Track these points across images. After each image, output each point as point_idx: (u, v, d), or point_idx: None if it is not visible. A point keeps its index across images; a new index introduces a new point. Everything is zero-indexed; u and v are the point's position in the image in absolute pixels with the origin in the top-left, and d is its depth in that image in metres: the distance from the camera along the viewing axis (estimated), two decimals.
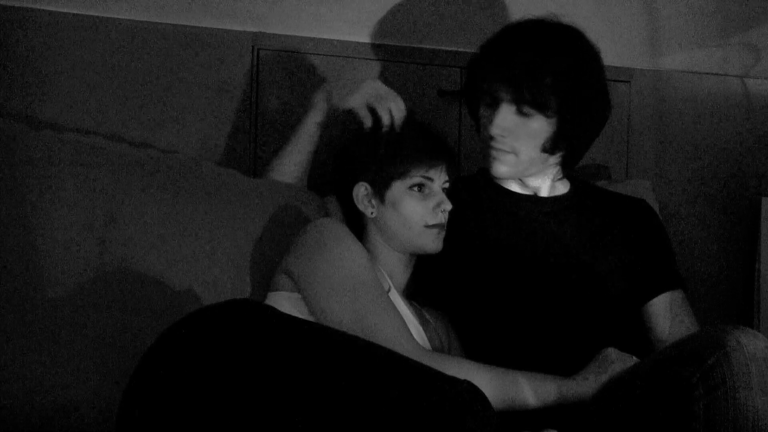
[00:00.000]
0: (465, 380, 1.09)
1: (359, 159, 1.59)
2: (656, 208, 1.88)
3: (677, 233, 2.09)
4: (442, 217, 1.57)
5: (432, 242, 1.57)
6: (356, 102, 1.64)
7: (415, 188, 1.56)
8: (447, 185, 1.60)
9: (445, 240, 1.60)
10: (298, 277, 1.46)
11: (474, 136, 1.75)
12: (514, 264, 1.62)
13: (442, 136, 1.65)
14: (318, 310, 1.43)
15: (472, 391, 1.08)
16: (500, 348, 1.55)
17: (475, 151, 1.68)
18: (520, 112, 1.59)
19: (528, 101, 1.56)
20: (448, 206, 1.57)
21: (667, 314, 1.65)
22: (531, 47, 1.58)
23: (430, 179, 1.57)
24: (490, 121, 1.60)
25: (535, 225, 1.67)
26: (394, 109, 1.62)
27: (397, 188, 1.56)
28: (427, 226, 1.56)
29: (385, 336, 1.39)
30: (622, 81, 2.14)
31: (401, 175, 1.56)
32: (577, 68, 1.59)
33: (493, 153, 1.62)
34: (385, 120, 1.61)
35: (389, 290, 1.53)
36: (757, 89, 2.24)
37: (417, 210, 1.56)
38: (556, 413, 1.42)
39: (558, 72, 1.56)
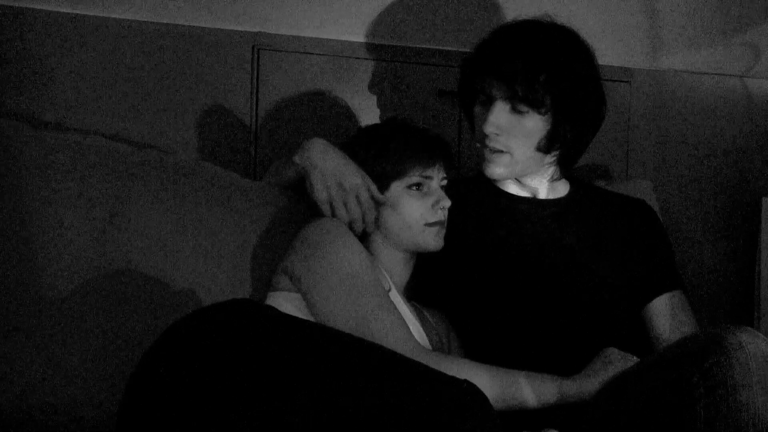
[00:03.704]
0: (465, 380, 1.09)
1: (356, 161, 1.59)
2: (656, 208, 1.88)
3: (677, 233, 2.09)
4: (441, 215, 1.57)
5: (433, 240, 1.57)
6: (320, 197, 1.56)
7: (414, 188, 1.56)
8: (445, 182, 1.60)
9: (446, 241, 1.60)
10: (299, 277, 1.46)
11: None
12: (513, 266, 1.62)
13: (438, 135, 1.65)
14: (318, 310, 1.43)
15: (472, 391, 1.08)
16: (500, 348, 1.55)
17: (475, 151, 1.68)
18: (515, 110, 1.59)
19: (522, 98, 1.57)
20: (447, 203, 1.57)
21: (667, 315, 1.65)
22: (525, 45, 1.58)
23: (429, 178, 1.57)
24: (485, 120, 1.60)
25: (535, 227, 1.67)
26: (353, 208, 1.54)
27: (396, 188, 1.56)
28: (428, 224, 1.56)
29: (386, 336, 1.39)
30: (622, 81, 2.14)
31: (399, 175, 1.56)
32: (571, 66, 1.59)
33: (488, 154, 1.62)
34: (343, 219, 1.55)
35: (389, 290, 1.53)
36: (757, 89, 2.24)
37: (416, 209, 1.56)
38: (556, 413, 1.42)
39: (552, 69, 1.57)
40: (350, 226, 1.55)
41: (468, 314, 1.62)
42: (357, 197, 1.55)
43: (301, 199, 1.66)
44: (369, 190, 1.56)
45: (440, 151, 1.60)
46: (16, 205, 1.49)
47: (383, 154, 1.57)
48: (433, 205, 1.56)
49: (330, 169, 1.57)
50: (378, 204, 1.57)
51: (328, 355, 1.12)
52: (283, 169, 1.68)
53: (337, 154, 1.59)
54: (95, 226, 1.52)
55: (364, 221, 1.56)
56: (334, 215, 1.55)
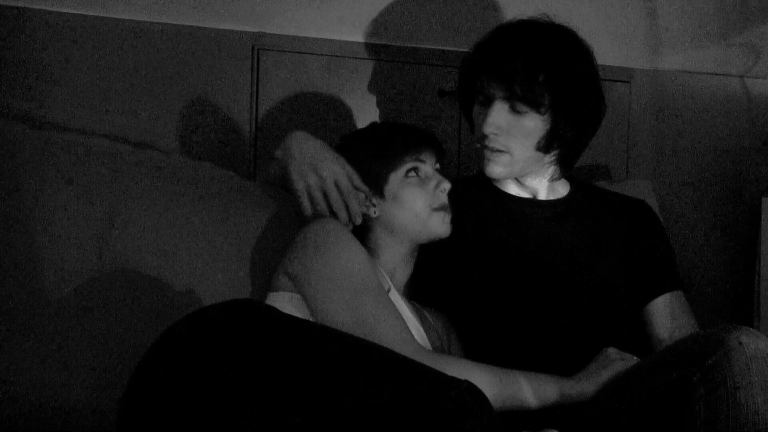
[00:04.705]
0: (465, 380, 1.09)
1: (352, 164, 1.59)
2: (656, 208, 1.88)
3: (677, 233, 2.09)
4: (443, 198, 1.57)
5: (441, 226, 1.57)
6: (298, 187, 1.55)
7: (411, 173, 1.56)
8: (438, 167, 1.61)
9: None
10: (298, 277, 1.46)
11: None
12: (513, 266, 1.62)
13: (424, 128, 1.65)
14: (318, 310, 1.43)
15: (472, 391, 1.08)
16: (500, 348, 1.55)
17: (475, 151, 1.68)
18: (514, 110, 1.59)
19: (521, 98, 1.57)
20: (447, 184, 1.58)
21: (667, 315, 1.65)
22: (524, 45, 1.58)
23: (422, 161, 1.57)
24: (484, 120, 1.60)
25: (535, 228, 1.67)
26: (333, 196, 1.53)
27: (394, 180, 1.57)
28: (433, 209, 1.56)
29: (386, 336, 1.39)
30: (622, 81, 2.14)
31: (394, 165, 1.56)
32: (570, 66, 1.59)
33: (488, 154, 1.62)
34: (323, 209, 1.55)
35: (389, 290, 1.53)
36: (757, 89, 2.24)
37: (419, 196, 1.56)
38: (556, 413, 1.42)
39: (551, 69, 1.57)
40: (334, 216, 1.54)
41: (468, 314, 1.62)
42: (337, 186, 1.54)
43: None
44: (350, 178, 1.55)
45: (427, 137, 1.61)
46: (16, 206, 1.49)
47: (375, 152, 1.58)
48: (434, 189, 1.57)
49: (307, 157, 1.56)
50: (359, 192, 1.56)
51: (328, 355, 1.12)
52: (268, 167, 1.68)
53: (316, 143, 1.58)
54: (95, 226, 1.52)
55: (348, 212, 1.55)
56: (313, 207, 1.54)
